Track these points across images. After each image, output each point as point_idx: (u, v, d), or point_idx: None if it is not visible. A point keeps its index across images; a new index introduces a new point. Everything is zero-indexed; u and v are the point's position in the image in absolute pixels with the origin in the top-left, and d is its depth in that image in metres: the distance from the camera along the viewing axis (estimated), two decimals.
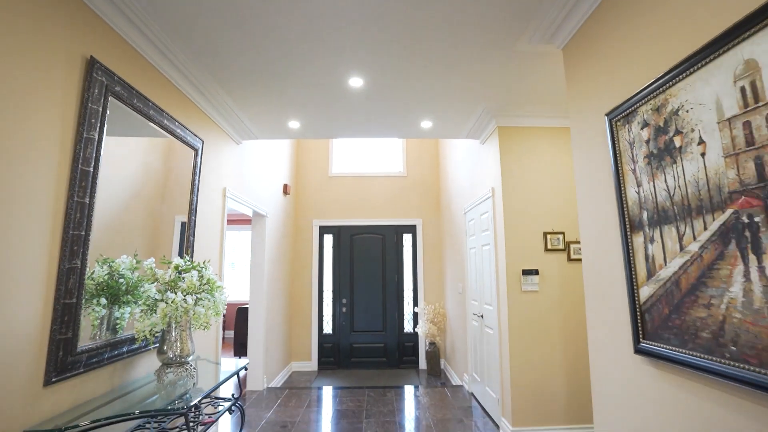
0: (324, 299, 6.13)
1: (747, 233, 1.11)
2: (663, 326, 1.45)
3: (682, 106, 1.34)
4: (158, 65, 2.41)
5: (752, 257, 1.10)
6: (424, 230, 6.22)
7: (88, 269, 1.83)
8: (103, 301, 2.00)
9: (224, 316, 8.18)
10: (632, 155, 1.62)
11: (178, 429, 2.03)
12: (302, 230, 6.17)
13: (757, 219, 1.08)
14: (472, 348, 4.39)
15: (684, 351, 1.35)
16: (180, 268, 2.23)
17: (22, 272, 1.50)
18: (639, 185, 1.58)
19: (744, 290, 1.12)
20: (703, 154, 1.27)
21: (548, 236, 3.38)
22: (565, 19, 2.11)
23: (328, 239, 6.24)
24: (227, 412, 2.41)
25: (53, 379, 1.62)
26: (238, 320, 6.03)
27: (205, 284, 2.25)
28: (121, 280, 2.12)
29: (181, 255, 2.71)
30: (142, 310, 2.08)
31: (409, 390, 4.74)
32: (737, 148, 1.14)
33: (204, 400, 2.33)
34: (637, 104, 1.57)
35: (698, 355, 1.28)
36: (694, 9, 1.32)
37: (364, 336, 6.07)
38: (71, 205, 1.73)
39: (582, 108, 2.05)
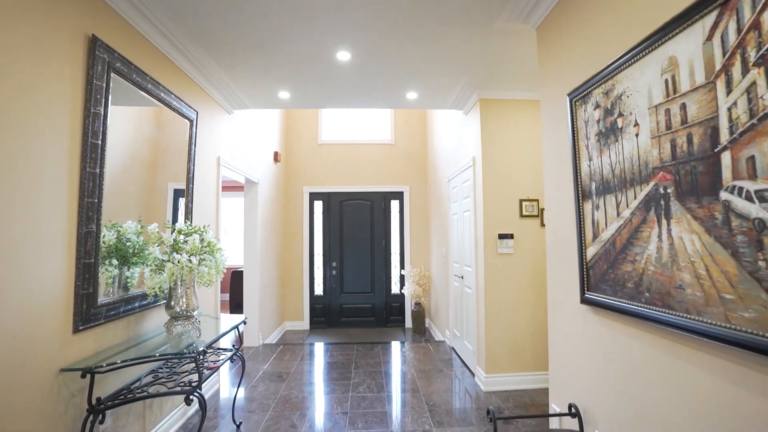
0: (315, 263, 6.41)
1: (662, 202, 1.36)
2: (602, 280, 1.73)
3: (625, 92, 1.56)
4: (155, 40, 2.52)
5: (664, 221, 1.35)
6: (411, 197, 6.45)
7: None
8: (115, 261, 2.22)
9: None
10: (586, 133, 1.84)
11: (186, 373, 2.31)
12: (293, 197, 6.36)
13: (669, 190, 1.33)
14: (454, 306, 4.74)
15: (615, 299, 1.63)
16: (183, 232, 2.44)
17: (48, 236, 1.70)
18: (590, 159, 1.81)
19: (657, 248, 1.38)
20: (637, 135, 1.49)
21: (523, 203, 3.64)
22: (537, 2, 2.26)
23: (318, 205, 6.45)
24: (229, 360, 2.69)
25: (80, 328, 1.86)
26: (233, 283, 6.30)
27: (206, 246, 2.47)
28: (128, 244, 2.33)
29: (174, 220, 2.89)
30: (151, 270, 2.31)
31: (395, 345, 5.12)
32: (660, 131, 1.37)
33: (208, 350, 2.61)
34: (592, 87, 1.78)
35: (625, 301, 1.57)
36: (638, 6, 1.51)
37: (353, 297, 6.42)
38: (84, 176, 1.91)
39: (550, 86, 2.25)
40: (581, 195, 1.89)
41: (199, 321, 2.50)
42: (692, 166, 1.23)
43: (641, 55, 1.44)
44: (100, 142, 2.01)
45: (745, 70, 1.04)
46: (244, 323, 2.93)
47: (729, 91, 1.09)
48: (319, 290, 6.41)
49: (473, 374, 3.90)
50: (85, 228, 1.90)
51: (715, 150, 1.14)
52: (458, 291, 4.52)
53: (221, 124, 3.76)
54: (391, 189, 6.45)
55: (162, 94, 2.60)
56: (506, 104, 3.70)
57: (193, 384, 2.09)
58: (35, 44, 1.65)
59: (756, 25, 1.01)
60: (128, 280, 2.34)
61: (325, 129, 6.56)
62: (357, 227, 6.43)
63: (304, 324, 6.28)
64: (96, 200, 1.98)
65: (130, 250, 2.34)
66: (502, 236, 3.60)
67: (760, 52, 1.00)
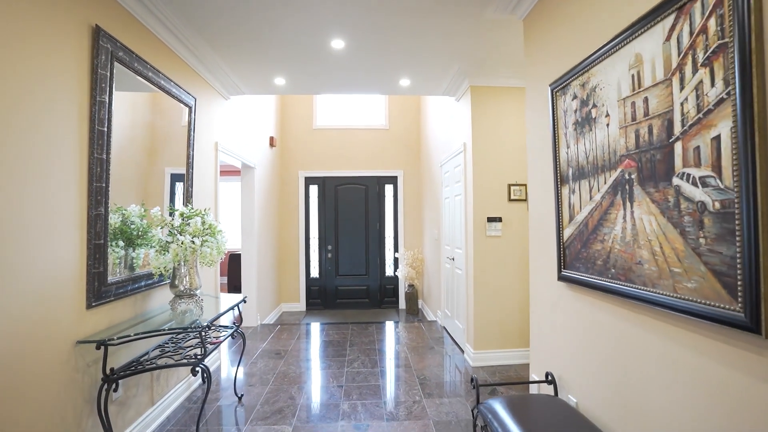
0: (310, 246, 6.56)
1: (627, 187, 1.50)
2: (576, 258, 1.88)
3: (598, 84, 1.68)
4: (154, 29, 2.59)
5: (628, 204, 1.49)
6: (404, 181, 6.58)
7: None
8: (121, 243, 2.34)
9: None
10: (565, 122, 1.97)
11: (191, 347, 2.46)
12: (289, 181, 6.46)
13: (633, 176, 1.47)
14: (445, 288, 4.92)
15: (587, 275, 1.78)
16: (185, 215, 2.56)
17: (62, 219, 1.82)
18: (568, 147, 1.95)
19: (622, 229, 1.53)
20: (608, 125, 1.62)
21: (512, 188, 3.78)
22: None
23: (314, 189, 6.56)
24: (230, 337, 2.85)
25: (93, 304, 2.00)
26: (231, 266, 6.45)
27: (207, 229, 2.60)
28: (132, 226, 2.45)
29: (171, 204, 2.99)
30: (156, 251, 2.44)
31: (388, 325, 5.32)
32: (627, 122, 1.50)
33: (210, 327, 2.76)
34: (570, 79, 1.90)
35: (595, 277, 1.72)
36: (611, 4, 1.62)
37: (348, 279, 6.59)
38: (93, 161, 2.02)
39: (534, 77, 2.36)
40: (560, 180, 2.03)
41: (201, 299, 2.64)
42: (652, 155, 1.36)
43: (613, 50, 1.56)
44: (105, 129, 2.11)
45: (695, 69, 1.17)
46: (244, 301, 3.08)
47: (682, 88, 1.22)
48: (315, 273, 6.57)
49: (463, 351, 4.10)
50: (94, 211, 2.02)
51: (670, 140, 1.28)
52: (449, 272, 4.69)
53: (218, 110, 3.84)
54: (386, 173, 6.56)
55: (162, 82, 2.69)
56: (496, 91, 3.80)
57: (198, 357, 2.24)
58: (44, 33, 1.73)
59: (704, 30, 1.13)
60: (134, 260, 2.46)
61: (320, 114, 6.63)
62: (352, 211, 6.56)
63: (301, 305, 6.45)
64: (104, 185, 2.09)
65: (135, 233, 2.46)
66: (491, 219, 3.75)
67: (706, 54, 1.13)
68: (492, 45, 3.18)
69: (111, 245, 2.22)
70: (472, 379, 2.08)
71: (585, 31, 1.82)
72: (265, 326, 5.23)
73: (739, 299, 1.04)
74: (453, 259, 4.51)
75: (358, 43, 3.14)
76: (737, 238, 1.04)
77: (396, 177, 6.60)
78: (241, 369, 3.69)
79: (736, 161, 1.03)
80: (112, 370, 1.99)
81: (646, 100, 1.39)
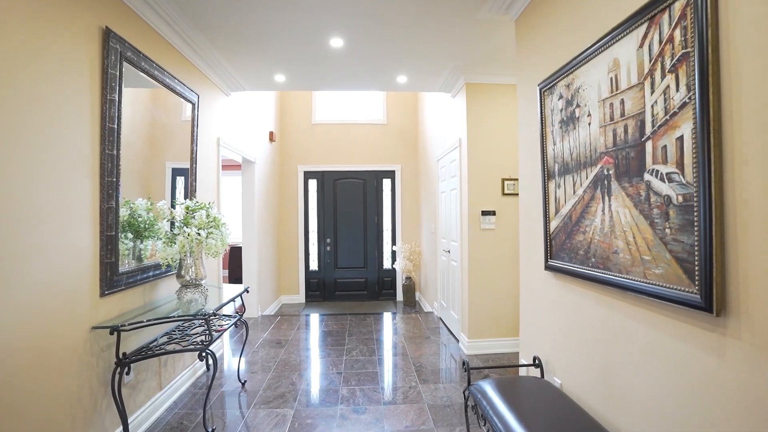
0: (310, 239, 6.67)
1: (605, 182, 1.62)
2: (561, 248, 2.01)
3: (582, 85, 1.79)
4: (159, 28, 2.68)
5: (606, 198, 1.61)
6: (402, 175, 6.69)
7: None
8: (130, 235, 2.46)
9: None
10: (552, 120, 2.08)
11: (197, 335, 2.58)
12: (288, 175, 6.56)
13: (610, 172, 1.59)
14: (441, 279, 5.05)
15: (570, 264, 1.91)
16: (190, 208, 2.68)
17: (76, 211, 1.93)
18: (555, 144, 2.06)
19: (601, 221, 1.65)
20: (590, 124, 1.74)
21: (505, 182, 3.90)
22: None
23: (313, 183, 6.66)
24: (234, 326, 2.97)
25: (105, 292, 2.12)
26: (231, 259, 6.57)
27: (211, 221, 2.71)
28: (140, 219, 2.56)
29: (173, 198, 3.08)
30: (163, 242, 2.55)
31: (386, 316, 5.46)
32: (606, 121, 1.62)
33: (214, 316, 2.88)
34: (557, 79, 2.01)
35: (577, 266, 1.85)
36: (594, 10, 1.73)
37: (346, 272, 6.72)
38: (104, 157, 2.12)
39: (525, 76, 2.47)
40: (547, 175, 2.15)
41: (207, 289, 2.76)
42: (627, 152, 1.48)
43: (594, 54, 1.67)
44: (116, 126, 2.22)
45: (663, 75, 1.28)
46: (247, 291, 3.20)
47: (652, 91, 1.34)
48: (314, 265, 6.69)
49: (458, 340, 4.24)
50: (106, 204, 2.13)
51: (642, 139, 1.39)
52: (445, 265, 4.82)
53: (220, 106, 3.93)
54: (384, 168, 6.67)
55: (167, 80, 2.78)
56: (491, 88, 3.90)
57: (204, 343, 2.37)
58: (60, 36, 1.83)
59: (671, 39, 1.24)
60: (141, 252, 2.57)
61: (319, 109, 6.71)
62: (350, 205, 6.68)
63: (300, 297, 6.58)
64: (114, 179, 2.20)
65: (142, 225, 2.57)
66: (485, 213, 3.87)
67: (672, 62, 1.24)
68: (486, 44, 3.28)
69: (121, 237, 2.33)
70: (463, 363, 2.21)
71: (571, 34, 1.93)
72: (265, 317, 5.36)
73: (696, 282, 1.16)
74: (449, 251, 4.63)
75: (356, 42, 3.24)
76: (695, 228, 1.16)
77: (394, 171, 6.71)
78: (243, 358, 3.82)
79: (696, 159, 1.15)
80: (124, 354, 2.11)
81: (622, 101, 1.50)
